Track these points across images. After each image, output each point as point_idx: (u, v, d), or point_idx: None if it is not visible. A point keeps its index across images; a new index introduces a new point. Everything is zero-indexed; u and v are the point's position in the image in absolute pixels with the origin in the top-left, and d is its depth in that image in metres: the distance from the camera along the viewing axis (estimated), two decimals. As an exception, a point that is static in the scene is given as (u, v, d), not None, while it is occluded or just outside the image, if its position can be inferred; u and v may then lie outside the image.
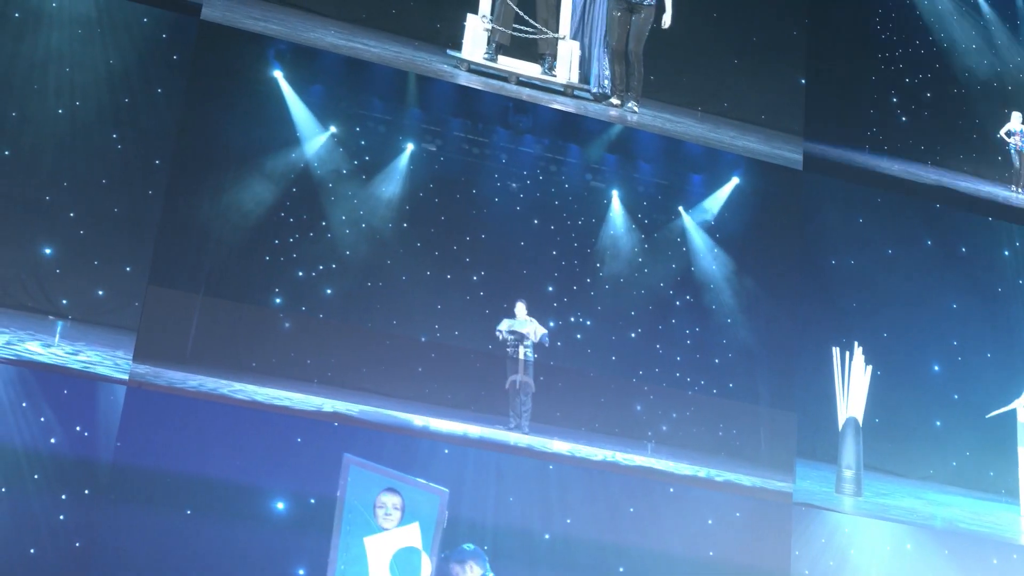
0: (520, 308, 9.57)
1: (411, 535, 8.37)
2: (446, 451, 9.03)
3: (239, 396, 8.72)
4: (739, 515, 9.57)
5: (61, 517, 8.14)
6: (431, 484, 8.59)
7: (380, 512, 8.39)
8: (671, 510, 9.41)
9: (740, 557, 9.45)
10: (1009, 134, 11.35)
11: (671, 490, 9.48)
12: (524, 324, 9.49)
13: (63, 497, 8.17)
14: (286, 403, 8.81)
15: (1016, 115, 11.40)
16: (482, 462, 9.09)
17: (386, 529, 8.39)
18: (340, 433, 8.81)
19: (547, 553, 9.01)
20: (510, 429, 9.30)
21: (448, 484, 8.73)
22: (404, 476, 8.54)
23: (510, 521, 9.03)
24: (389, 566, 8.33)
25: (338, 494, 8.45)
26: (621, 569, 9.19)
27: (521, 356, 9.41)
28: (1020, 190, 11.19)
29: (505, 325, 9.48)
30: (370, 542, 8.33)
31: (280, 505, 8.59)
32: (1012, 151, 11.35)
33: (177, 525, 8.32)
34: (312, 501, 8.60)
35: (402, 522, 8.40)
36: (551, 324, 9.65)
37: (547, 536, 9.11)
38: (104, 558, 8.14)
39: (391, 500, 8.41)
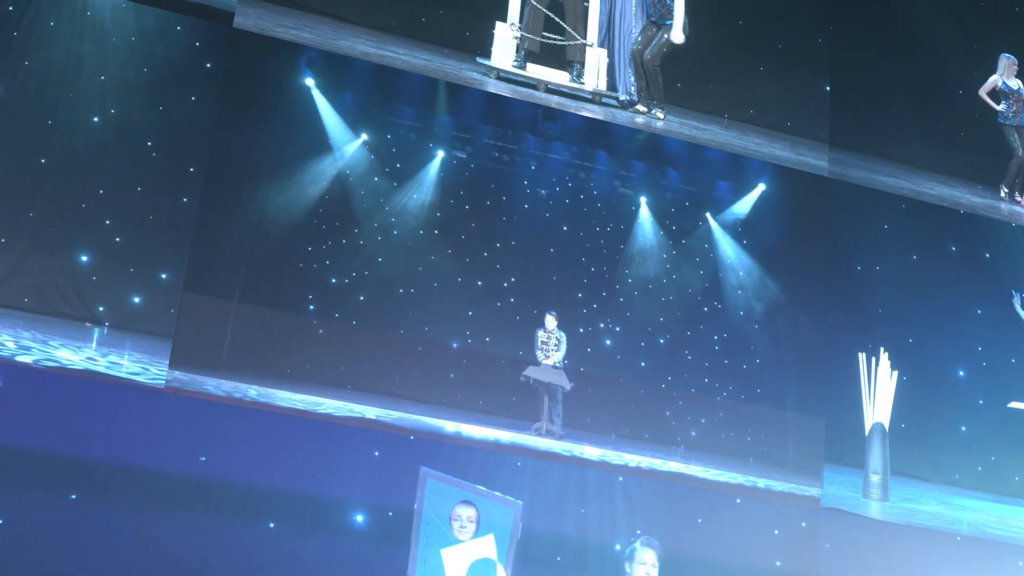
0: (550, 320, 9.62)
1: (486, 547, 8.43)
2: (519, 464, 9.12)
3: (283, 404, 8.84)
4: (805, 525, 9.67)
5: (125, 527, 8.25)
6: (505, 496, 8.66)
7: (456, 524, 8.45)
8: (737, 520, 9.49)
9: (801, 566, 9.54)
10: (1002, 95, 11.25)
11: (738, 500, 9.57)
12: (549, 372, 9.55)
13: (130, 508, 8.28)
14: (329, 411, 8.92)
15: (1006, 60, 11.31)
16: (551, 474, 9.18)
17: (462, 541, 8.45)
18: (416, 446, 8.91)
19: (618, 564, 9.05)
20: (541, 435, 9.36)
21: (520, 496, 8.82)
22: (479, 488, 8.60)
23: (581, 532, 9.13)
24: (465, 577, 8.44)
25: (415, 507, 8.53)
26: (691, 579, 9.31)
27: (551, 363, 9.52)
28: (1018, 194, 11.18)
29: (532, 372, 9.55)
30: (447, 554, 8.40)
31: (359, 518, 8.70)
32: (1004, 123, 11.30)
33: (260, 537, 8.47)
34: (390, 514, 8.70)
35: (477, 534, 8.46)
36: (580, 330, 9.72)
37: (618, 547, 9.19)
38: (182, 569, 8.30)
39: (466, 512, 8.46)
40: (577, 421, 9.49)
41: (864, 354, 10.26)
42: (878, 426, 10.12)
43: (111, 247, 8.82)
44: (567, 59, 10.23)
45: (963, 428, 10.46)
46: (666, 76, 10.29)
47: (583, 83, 10.20)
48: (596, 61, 10.23)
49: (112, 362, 8.57)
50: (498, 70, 10.03)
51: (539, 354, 9.54)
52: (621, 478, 9.35)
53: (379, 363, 9.19)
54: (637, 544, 8.70)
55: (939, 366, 10.52)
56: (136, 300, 8.78)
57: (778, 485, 9.75)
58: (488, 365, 9.43)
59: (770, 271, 10.25)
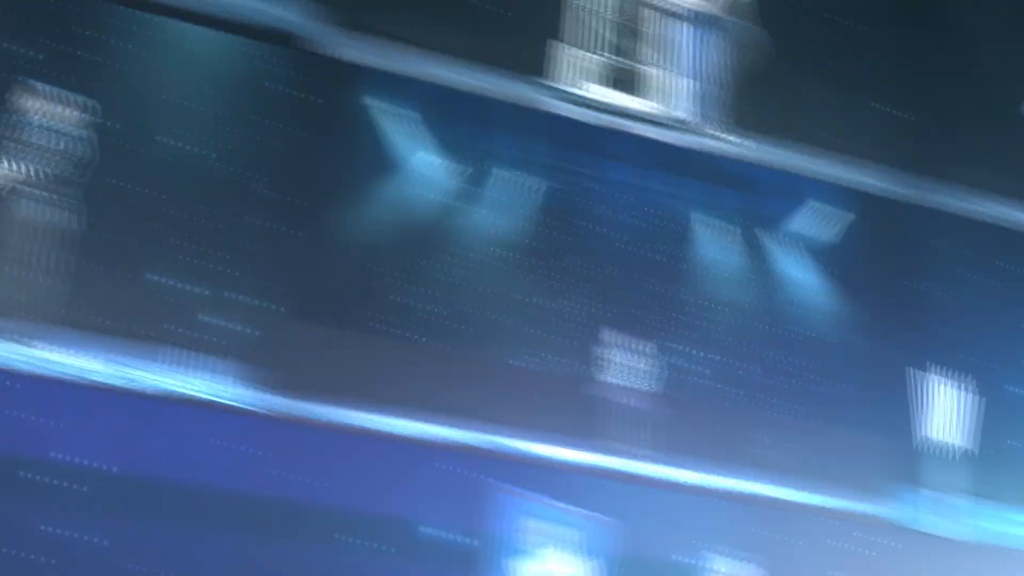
0: (616, 337, 9.55)
1: (566, 566, 8.30)
2: (603, 485, 9.04)
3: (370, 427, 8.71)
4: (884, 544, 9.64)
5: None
6: (589, 513, 8.55)
7: (534, 542, 8.32)
8: (815, 541, 9.47)
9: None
10: None
11: (814, 519, 9.56)
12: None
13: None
14: (420, 434, 8.80)
15: None
16: (634, 496, 9.11)
17: (540, 559, 8.32)
18: (499, 468, 8.82)
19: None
20: (623, 457, 9.26)
21: (606, 518, 8.76)
22: (560, 506, 8.49)
23: (667, 553, 9.06)
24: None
25: (494, 525, 8.41)
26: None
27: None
28: None
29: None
30: (525, 572, 8.25)
31: (432, 536, 8.54)
32: None
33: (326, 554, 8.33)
34: (466, 532, 8.57)
35: (557, 552, 8.34)
36: (655, 352, 9.66)
37: (702, 565, 9.12)
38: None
39: (545, 529, 8.33)
40: (657, 442, 9.40)
41: (937, 375, 10.24)
42: (951, 446, 10.10)
43: (198, 272, 8.66)
44: (635, 82, 10.16)
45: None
46: (739, 100, 10.27)
47: (650, 105, 10.14)
48: (665, 84, 10.17)
49: (198, 387, 8.39)
50: (564, 92, 9.96)
51: (615, 376, 9.45)
52: (699, 496, 9.26)
53: (465, 386, 9.07)
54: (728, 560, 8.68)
55: (1011, 384, 10.51)
56: (226, 325, 8.59)
57: (855, 506, 9.72)
58: (568, 388, 9.34)
59: (839, 292, 10.26)
